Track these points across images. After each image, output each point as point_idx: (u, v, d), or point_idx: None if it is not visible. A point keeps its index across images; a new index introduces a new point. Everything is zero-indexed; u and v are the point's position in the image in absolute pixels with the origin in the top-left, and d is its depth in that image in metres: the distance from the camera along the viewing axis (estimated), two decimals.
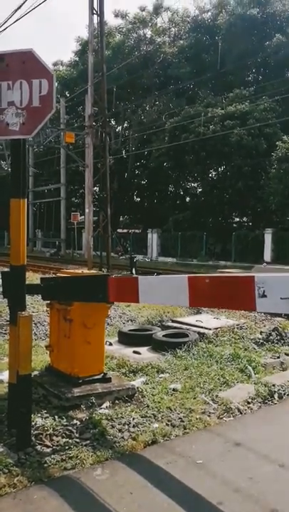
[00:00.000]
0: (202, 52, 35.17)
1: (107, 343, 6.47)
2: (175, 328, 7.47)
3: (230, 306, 4.19)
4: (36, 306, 8.83)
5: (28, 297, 6.44)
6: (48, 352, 5.30)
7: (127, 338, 6.97)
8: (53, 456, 3.64)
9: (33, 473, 3.41)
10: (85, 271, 5.59)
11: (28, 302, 8.10)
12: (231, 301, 3.43)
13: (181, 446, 3.84)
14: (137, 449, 3.80)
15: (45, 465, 3.52)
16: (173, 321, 7.95)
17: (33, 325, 7.63)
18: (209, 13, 37.31)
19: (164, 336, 6.81)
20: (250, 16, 32.12)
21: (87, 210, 19.77)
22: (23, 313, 3.90)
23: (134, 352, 6.41)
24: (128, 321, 8.59)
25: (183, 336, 6.82)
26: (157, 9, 39.82)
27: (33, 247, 42.83)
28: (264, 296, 3.02)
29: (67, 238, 38.06)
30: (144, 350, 6.51)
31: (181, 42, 37.88)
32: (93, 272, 5.74)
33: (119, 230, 38.77)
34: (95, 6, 17.75)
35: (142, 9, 40.13)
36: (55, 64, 46.21)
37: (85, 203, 20.26)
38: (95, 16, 17.96)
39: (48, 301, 5.14)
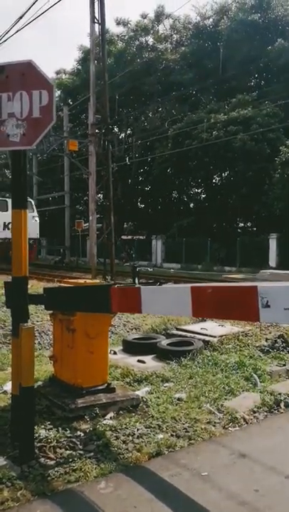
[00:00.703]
0: (204, 58, 35.21)
1: (112, 351, 6.45)
2: (180, 336, 7.43)
3: (233, 316, 4.15)
4: (40, 315, 8.80)
5: (32, 306, 6.43)
6: (52, 362, 5.28)
7: (131, 347, 6.94)
8: (56, 468, 3.61)
9: (37, 486, 3.37)
10: (88, 281, 5.58)
11: (32, 311, 8.11)
12: (234, 312, 3.39)
13: (186, 458, 3.80)
14: (142, 461, 3.76)
15: (49, 478, 3.49)
16: (177, 329, 7.91)
17: (37, 334, 7.62)
18: (211, 20, 37.38)
19: (168, 344, 6.77)
20: (252, 22, 32.19)
21: (90, 218, 19.78)
22: (25, 324, 3.88)
23: (139, 361, 6.37)
24: (132, 329, 8.55)
25: (187, 344, 6.78)
26: (159, 16, 39.92)
27: (38, 255, 42.82)
28: (267, 306, 2.99)
29: (71, 245, 38.09)
30: (148, 358, 6.48)
31: (183, 48, 37.95)
32: (96, 281, 5.73)
33: (124, 237, 38.74)
34: (96, 15, 17.82)
35: (144, 17, 40.30)
36: (57, 72, 46.42)
37: (89, 211, 20.28)
38: (97, 25, 18.03)
39: (51, 311, 5.13)
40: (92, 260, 19.41)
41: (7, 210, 23.77)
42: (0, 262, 20.81)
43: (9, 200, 25.89)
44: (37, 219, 27.59)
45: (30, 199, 27.51)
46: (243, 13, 33.57)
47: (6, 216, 23.67)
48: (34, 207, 28.08)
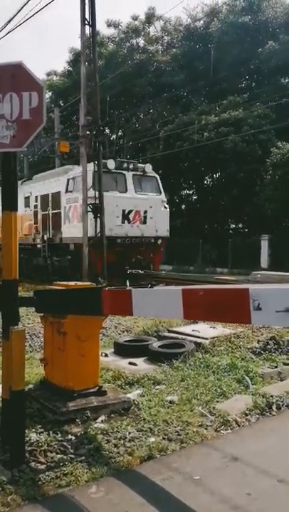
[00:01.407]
0: (195, 60, 35.26)
1: (103, 354, 6.42)
2: (171, 338, 7.41)
3: (224, 319, 4.15)
4: (32, 318, 8.77)
5: (23, 308, 6.39)
6: (43, 365, 5.25)
7: (122, 349, 6.91)
8: (47, 473, 3.57)
9: (27, 491, 3.34)
10: (79, 283, 5.55)
11: (23, 314, 8.07)
12: (226, 314, 3.39)
13: (177, 462, 3.78)
14: (133, 464, 3.73)
15: (40, 483, 3.45)
16: (169, 331, 7.89)
17: (29, 337, 7.59)
18: (201, 22, 37.45)
19: (160, 346, 6.75)
20: (242, 24, 32.30)
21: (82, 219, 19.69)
22: (15, 327, 3.85)
23: (130, 363, 6.34)
24: (124, 331, 8.54)
25: (179, 346, 6.76)
26: (150, 18, 39.90)
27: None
28: (259, 309, 2.98)
29: None
30: (140, 361, 6.45)
31: (174, 50, 37.99)
32: (87, 283, 5.70)
33: None
34: (87, 16, 17.77)
35: (135, 18, 40.29)
36: (48, 74, 46.25)
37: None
38: (87, 27, 17.97)
39: (42, 314, 5.09)
40: (84, 262, 19.32)
41: (126, 191, 17.67)
42: (114, 272, 16.43)
43: (129, 175, 17.53)
44: (166, 205, 18.83)
45: (155, 174, 19.37)
46: (234, 16, 33.66)
47: (126, 201, 17.29)
48: (160, 186, 19.07)
